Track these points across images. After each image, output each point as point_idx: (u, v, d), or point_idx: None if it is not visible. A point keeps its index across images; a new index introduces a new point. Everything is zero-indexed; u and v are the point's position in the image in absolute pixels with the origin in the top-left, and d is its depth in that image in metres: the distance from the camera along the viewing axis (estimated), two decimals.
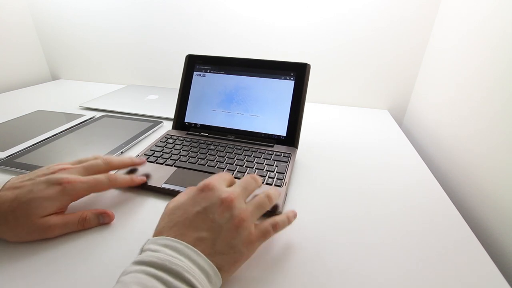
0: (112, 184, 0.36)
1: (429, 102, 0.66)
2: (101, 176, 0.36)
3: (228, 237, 0.26)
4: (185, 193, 0.30)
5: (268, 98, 0.52)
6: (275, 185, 0.41)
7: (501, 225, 0.38)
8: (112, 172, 0.40)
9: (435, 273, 0.30)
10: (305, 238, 0.34)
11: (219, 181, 0.30)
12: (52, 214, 0.32)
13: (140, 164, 0.42)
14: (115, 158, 0.39)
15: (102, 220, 0.35)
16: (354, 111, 0.78)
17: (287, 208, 0.39)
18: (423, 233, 0.35)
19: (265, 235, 0.29)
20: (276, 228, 0.30)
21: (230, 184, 0.31)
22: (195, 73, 0.57)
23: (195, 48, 0.86)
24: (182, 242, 0.24)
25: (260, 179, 0.33)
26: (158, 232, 0.26)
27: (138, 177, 0.40)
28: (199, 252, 0.24)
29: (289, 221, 0.32)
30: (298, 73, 0.51)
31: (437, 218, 0.38)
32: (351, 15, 0.72)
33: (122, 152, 0.51)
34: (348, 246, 0.33)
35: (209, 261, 0.24)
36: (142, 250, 0.24)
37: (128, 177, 0.39)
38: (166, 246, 0.24)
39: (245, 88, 0.54)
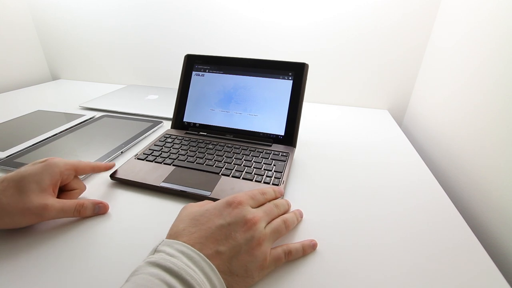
0: (93, 165, 0.39)
1: (429, 102, 0.65)
2: (81, 161, 0.38)
3: (244, 260, 0.26)
4: (208, 202, 0.30)
5: (266, 97, 0.52)
6: (273, 183, 0.41)
7: (501, 225, 0.38)
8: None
9: (435, 273, 0.29)
10: (303, 238, 0.33)
11: (248, 200, 0.30)
12: (49, 193, 0.32)
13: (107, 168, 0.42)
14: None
15: (97, 210, 0.35)
16: (354, 111, 0.78)
17: None
18: (423, 233, 0.35)
19: (276, 262, 0.28)
20: (289, 256, 0.29)
21: (259, 206, 0.31)
22: (194, 73, 0.57)
23: (195, 48, 0.86)
24: (199, 253, 0.24)
25: (282, 208, 0.33)
26: (177, 233, 0.26)
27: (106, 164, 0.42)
28: (213, 267, 0.24)
29: (304, 252, 0.31)
30: (296, 72, 0.51)
31: (437, 218, 0.37)
32: (351, 15, 0.72)
33: (122, 152, 0.51)
34: (346, 246, 0.33)
35: (222, 279, 0.24)
36: (156, 251, 0.24)
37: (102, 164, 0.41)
38: (183, 253, 0.23)
39: (243, 87, 0.54)
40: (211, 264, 0.24)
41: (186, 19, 0.83)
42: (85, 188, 0.39)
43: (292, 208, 0.38)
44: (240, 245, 0.26)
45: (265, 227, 0.29)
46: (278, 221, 0.31)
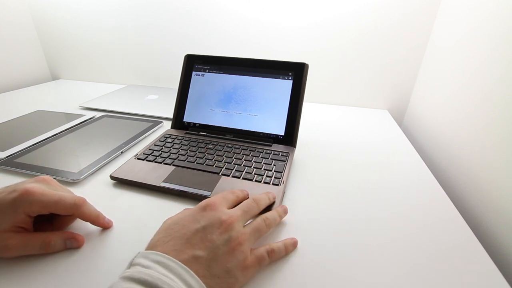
0: (76, 208, 0.30)
1: (429, 102, 0.65)
2: (68, 196, 0.31)
3: (224, 260, 0.25)
4: (185, 210, 0.30)
5: (266, 97, 0.52)
6: (273, 184, 0.41)
7: (501, 225, 0.38)
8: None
9: (435, 273, 0.29)
10: (302, 238, 0.33)
11: (222, 201, 0.30)
12: (11, 231, 0.28)
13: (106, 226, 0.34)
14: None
15: (69, 245, 0.31)
16: (354, 111, 0.78)
17: None
18: (423, 233, 0.35)
19: (260, 262, 0.28)
20: (271, 255, 0.29)
21: (233, 205, 0.31)
22: (194, 72, 0.57)
23: (195, 48, 0.86)
24: (175, 260, 0.23)
25: (263, 202, 0.33)
26: (152, 246, 0.26)
27: (106, 218, 0.34)
28: (192, 272, 0.23)
29: (286, 250, 0.31)
30: (296, 72, 0.51)
31: (437, 218, 0.37)
32: (351, 15, 0.72)
33: (122, 152, 0.51)
34: (346, 246, 0.33)
35: (202, 283, 0.23)
36: (132, 264, 0.23)
37: (96, 211, 0.33)
38: (158, 262, 0.23)
39: (243, 87, 0.54)
40: (189, 269, 0.23)
41: (186, 19, 0.83)
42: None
43: (292, 208, 0.38)
44: (217, 247, 0.26)
45: (245, 226, 0.29)
46: (258, 220, 0.31)
